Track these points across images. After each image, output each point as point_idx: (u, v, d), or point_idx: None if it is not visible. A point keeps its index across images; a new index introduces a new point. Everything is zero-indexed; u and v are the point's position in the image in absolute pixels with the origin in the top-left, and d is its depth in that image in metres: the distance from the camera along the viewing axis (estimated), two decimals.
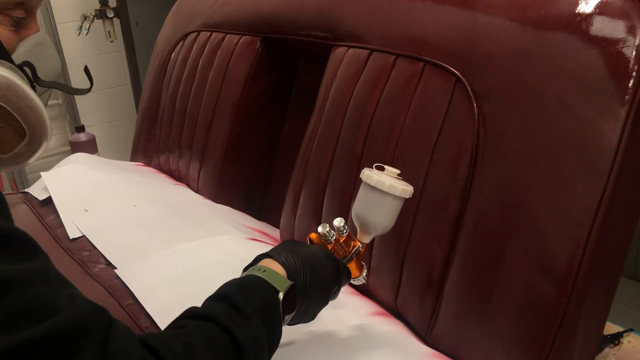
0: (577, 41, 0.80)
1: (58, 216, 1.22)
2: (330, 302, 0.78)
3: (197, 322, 0.62)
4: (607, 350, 1.15)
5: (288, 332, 0.85)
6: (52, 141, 3.15)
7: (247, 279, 0.69)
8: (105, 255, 1.07)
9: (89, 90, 0.90)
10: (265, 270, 0.70)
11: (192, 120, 1.51)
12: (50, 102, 3.02)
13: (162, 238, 1.11)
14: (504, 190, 0.82)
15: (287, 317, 0.71)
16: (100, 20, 2.93)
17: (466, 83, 0.89)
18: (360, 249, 0.82)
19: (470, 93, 0.89)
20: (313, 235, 0.83)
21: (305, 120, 1.23)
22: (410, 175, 0.96)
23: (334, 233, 0.81)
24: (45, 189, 1.33)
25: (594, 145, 0.76)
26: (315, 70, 1.26)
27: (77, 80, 3.12)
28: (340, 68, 1.13)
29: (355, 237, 0.83)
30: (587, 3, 0.80)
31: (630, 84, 0.76)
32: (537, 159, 0.79)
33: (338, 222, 0.81)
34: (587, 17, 0.80)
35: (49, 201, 1.30)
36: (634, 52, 0.76)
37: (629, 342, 1.18)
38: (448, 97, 0.92)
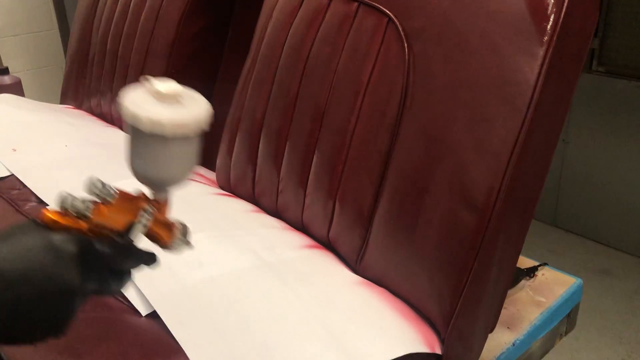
0: None
1: None
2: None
3: None
4: (522, 282, 1.25)
5: (215, 264, 0.87)
6: None
7: None
8: (36, 193, 1.05)
9: None
10: None
11: (124, 61, 1.48)
12: None
13: None
14: (429, 125, 0.86)
15: None
16: None
17: (398, 23, 0.92)
18: (151, 211, 0.55)
19: (402, 33, 0.91)
20: (49, 215, 0.50)
21: (243, 61, 1.23)
22: (343, 113, 0.99)
23: (89, 204, 0.52)
24: None
25: (514, 82, 0.81)
26: (253, 11, 1.25)
27: None
28: (276, 8, 1.13)
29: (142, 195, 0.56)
30: None
31: (549, 26, 0.80)
32: (461, 95, 0.83)
33: (94, 183, 0.54)
34: None
35: None
36: None
37: (543, 274, 1.27)
38: (380, 37, 0.94)
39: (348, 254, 0.97)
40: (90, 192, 0.52)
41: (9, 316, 0.46)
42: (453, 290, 0.84)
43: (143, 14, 1.44)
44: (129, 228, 0.53)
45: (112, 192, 0.53)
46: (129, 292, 0.81)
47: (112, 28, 1.53)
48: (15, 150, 1.19)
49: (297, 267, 0.91)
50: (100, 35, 1.58)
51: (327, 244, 1.02)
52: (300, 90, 1.05)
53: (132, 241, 0.54)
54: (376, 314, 0.85)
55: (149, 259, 0.56)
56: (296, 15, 1.08)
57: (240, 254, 0.90)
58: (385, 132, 0.92)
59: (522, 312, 1.15)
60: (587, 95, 2.25)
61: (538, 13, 0.80)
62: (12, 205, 1.04)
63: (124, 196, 0.54)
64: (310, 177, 1.04)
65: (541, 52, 0.80)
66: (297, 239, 1.02)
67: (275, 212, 1.12)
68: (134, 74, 1.45)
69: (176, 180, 0.55)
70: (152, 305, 0.80)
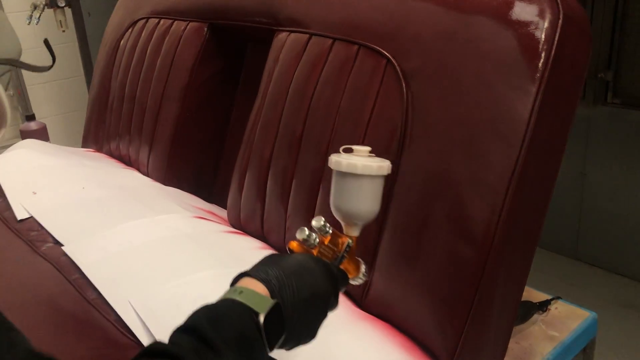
0: (495, 24, 0.86)
1: (6, 199, 1.24)
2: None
3: None
4: (535, 316, 1.23)
5: None
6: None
7: (220, 305, 0.60)
8: (53, 234, 1.09)
9: (50, 67, 0.84)
10: (242, 292, 0.60)
11: (141, 105, 1.54)
12: None
13: (109, 218, 1.14)
14: (427, 162, 0.88)
15: (278, 341, 0.61)
16: (51, 10, 2.89)
17: (396, 64, 0.95)
18: (350, 245, 0.72)
19: (400, 73, 0.94)
20: (293, 244, 0.73)
21: (253, 104, 1.27)
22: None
23: (316, 235, 0.72)
24: None
25: (507, 118, 0.83)
26: (262, 56, 1.30)
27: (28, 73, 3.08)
28: (282, 52, 1.18)
29: (342, 232, 0.74)
30: None
31: (540, 63, 0.82)
32: (457, 132, 0.86)
33: (317, 221, 0.72)
34: (504, 1, 0.86)
35: None
36: (543, 34, 0.83)
37: (556, 308, 1.26)
38: (380, 78, 0.97)
39: (353, 290, 0.98)
40: (318, 229, 0.72)
41: (294, 314, 0.61)
42: (455, 324, 0.84)
43: (159, 60, 1.50)
44: (337, 257, 0.72)
45: (328, 229, 0.72)
46: (136, 329, 0.83)
47: (129, 74, 1.60)
48: (35, 194, 1.24)
49: None
50: (119, 81, 1.65)
51: None
52: (305, 130, 1.08)
53: (338, 266, 0.72)
54: (379, 349, 0.86)
55: (344, 280, 0.72)
56: (301, 59, 1.12)
57: None
58: None
59: (535, 346, 1.14)
60: (603, 128, 2.24)
61: (529, 50, 0.83)
62: (30, 246, 1.08)
63: (334, 233, 0.73)
64: (316, 213, 1.06)
65: (533, 89, 0.82)
66: None
67: (283, 248, 1.14)
68: (150, 118, 1.51)
69: (365, 212, 0.73)
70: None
